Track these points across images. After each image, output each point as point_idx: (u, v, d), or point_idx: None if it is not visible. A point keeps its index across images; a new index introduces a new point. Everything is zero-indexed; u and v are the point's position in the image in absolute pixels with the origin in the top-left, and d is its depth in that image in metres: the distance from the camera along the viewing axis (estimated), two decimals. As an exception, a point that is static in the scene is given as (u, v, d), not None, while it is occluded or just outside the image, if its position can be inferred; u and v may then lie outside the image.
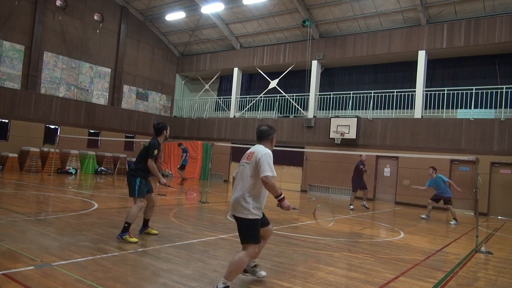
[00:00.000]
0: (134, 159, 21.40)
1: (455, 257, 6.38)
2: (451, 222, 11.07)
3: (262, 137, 4.02)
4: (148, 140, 6.11)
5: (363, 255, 5.99)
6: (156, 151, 5.76)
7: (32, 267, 4.03)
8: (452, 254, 6.63)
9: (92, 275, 3.96)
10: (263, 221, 4.01)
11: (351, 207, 12.70)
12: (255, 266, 4.31)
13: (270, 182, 3.61)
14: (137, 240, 5.57)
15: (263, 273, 4.34)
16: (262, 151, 3.80)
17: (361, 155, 13.28)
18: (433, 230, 9.71)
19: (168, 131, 6.13)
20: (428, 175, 11.78)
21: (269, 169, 3.64)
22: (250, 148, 4.05)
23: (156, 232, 6.20)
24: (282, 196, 3.75)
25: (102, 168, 19.19)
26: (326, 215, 9.32)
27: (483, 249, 7.05)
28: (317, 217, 5.92)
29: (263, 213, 4.00)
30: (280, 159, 19.51)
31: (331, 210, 9.86)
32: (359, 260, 5.63)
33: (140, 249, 5.15)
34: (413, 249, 6.82)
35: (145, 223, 6.19)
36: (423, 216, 11.66)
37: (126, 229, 5.52)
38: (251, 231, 3.76)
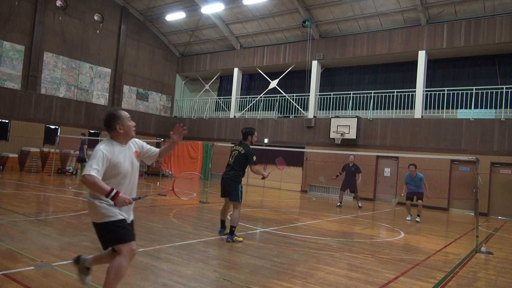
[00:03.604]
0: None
1: (455, 257, 6.38)
2: (417, 219, 10.87)
3: (106, 128, 3.25)
4: (237, 146, 6.38)
5: (363, 255, 5.99)
6: (255, 158, 6.20)
7: (32, 267, 4.03)
8: (452, 254, 6.63)
9: (92, 275, 3.95)
10: None
11: (339, 203, 13.61)
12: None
13: (85, 181, 2.89)
14: (242, 239, 6.22)
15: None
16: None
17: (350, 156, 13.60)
18: (433, 230, 9.71)
19: (254, 136, 6.44)
20: (409, 171, 11.23)
21: (89, 166, 2.90)
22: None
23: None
24: (113, 193, 2.93)
25: (102, 168, 19.14)
26: None
27: (483, 249, 7.05)
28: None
29: None
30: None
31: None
32: (359, 260, 5.63)
33: (141, 249, 5.15)
34: (413, 249, 6.82)
35: (224, 224, 6.49)
36: (408, 218, 11.23)
37: (233, 231, 6.14)
38: None
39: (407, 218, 11.34)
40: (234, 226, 6.15)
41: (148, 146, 3.49)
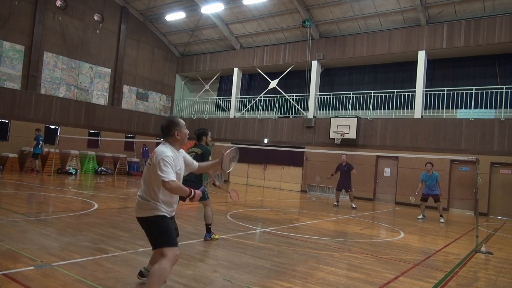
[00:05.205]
0: (134, 159, 21.45)
1: (455, 257, 6.38)
2: (441, 221, 11.18)
3: (164, 133, 3.44)
4: (195, 148, 6.45)
5: (363, 255, 5.99)
6: (211, 158, 6.26)
7: (32, 267, 4.03)
8: (452, 254, 6.63)
9: (92, 275, 3.96)
10: None
11: (335, 203, 13.76)
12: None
13: (170, 186, 3.15)
14: (218, 236, 6.30)
15: None
16: (159, 152, 3.26)
17: (342, 155, 13.75)
18: (433, 230, 9.71)
19: (208, 136, 6.53)
20: (426, 170, 11.71)
21: (164, 173, 3.13)
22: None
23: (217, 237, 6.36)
24: (192, 193, 3.26)
25: (102, 168, 19.18)
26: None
27: (483, 249, 7.05)
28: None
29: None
30: (280, 159, 19.53)
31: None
32: (359, 260, 5.63)
33: (140, 249, 5.15)
34: (413, 249, 6.82)
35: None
36: (419, 217, 11.70)
37: (210, 229, 6.19)
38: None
39: (418, 217, 11.75)
40: (210, 223, 6.20)
41: (189, 158, 3.66)
